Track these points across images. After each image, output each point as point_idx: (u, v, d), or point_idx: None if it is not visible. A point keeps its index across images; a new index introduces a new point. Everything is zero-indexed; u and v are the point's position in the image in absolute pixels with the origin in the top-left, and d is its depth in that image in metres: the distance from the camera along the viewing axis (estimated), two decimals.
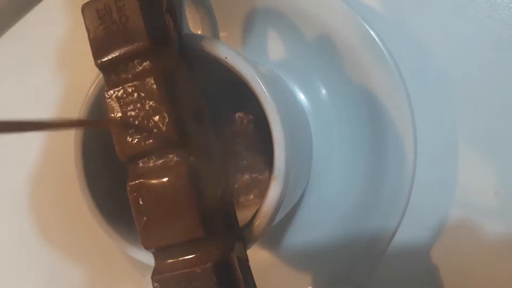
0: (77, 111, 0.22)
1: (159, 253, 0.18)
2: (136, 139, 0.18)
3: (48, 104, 0.33)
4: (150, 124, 0.18)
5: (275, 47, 0.27)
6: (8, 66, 0.35)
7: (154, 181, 0.18)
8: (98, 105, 0.21)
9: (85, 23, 0.18)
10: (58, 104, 0.33)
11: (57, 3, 0.33)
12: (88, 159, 0.22)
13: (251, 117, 0.24)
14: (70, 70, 0.33)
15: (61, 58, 0.33)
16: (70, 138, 0.22)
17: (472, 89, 0.25)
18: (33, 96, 0.34)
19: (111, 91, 0.18)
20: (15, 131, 0.12)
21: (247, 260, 0.18)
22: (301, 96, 0.27)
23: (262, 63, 0.26)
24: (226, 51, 0.19)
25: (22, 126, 0.12)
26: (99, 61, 0.18)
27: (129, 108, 0.18)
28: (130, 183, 0.18)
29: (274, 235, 0.27)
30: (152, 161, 0.18)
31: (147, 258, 0.19)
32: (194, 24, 0.23)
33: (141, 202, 0.18)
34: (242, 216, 0.20)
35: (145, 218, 0.18)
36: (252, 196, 0.23)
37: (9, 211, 0.34)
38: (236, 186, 0.23)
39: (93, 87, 0.21)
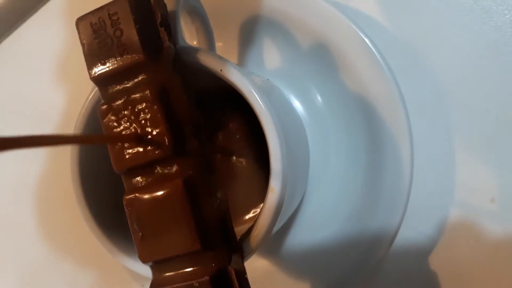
0: (74, 122, 0.22)
1: (157, 266, 0.18)
2: (132, 152, 0.18)
3: (46, 114, 0.33)
4: (146, 137, 0.18)
5: (271, 56, 0.27)
6: (6, 75, 0.35)
7: (150, 195, 0.18)
8: (93, 117, 0.21)
9: (79, 37, 0.18)
10: (57, 115, 0.33)
11: (55, 12, 0.33)
12: (85, 173, 0.22)
13: (247, 127, 0.24)
14: (68, 79, 0.33)
15: (60, 67, 0.33)
16: (67, 151, 0.22)
17: (468, 95, 0.25)
18: (32, 105, 0.34)
19: (106, 105, 0.18)
20: (11, 148, 0.12)
21: (245, 272, 0.18)
22: (297, 105, 0.27)
23: (258, 72, 0.26)
24: (221, 64, 0.19)
25: (18, 142, 0.12)
26: (94, 75, 0.18)
27: (124, 122, 0.18)
28: (126, 197, 0.18)
29: (273, 243, 0.27)
30: (148, 174, 0.18)
31: (145, 271, 0.19)
32: (190, 35, 0.23)
33: (137, 216, 0.18)
34: (239, 228, 0.20)
35: (141, 232, 0.18)
36: (248, 207, 0.23)
37: (11, 221, 0.34)
38: (232, 197, 0.23)
39: (89, 99, 0.21)
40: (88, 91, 0.21)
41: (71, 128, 0.22)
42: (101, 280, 0.31)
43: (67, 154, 0.22)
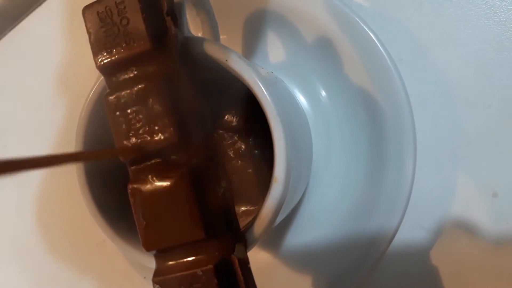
0: (78, 113, 0.22)
1: (160, 255, 0.18)
2: (138, 142, 0.18)
3: (50, 106, 0.33)
4: (151, 126, 0.18)
5: (275, 50, 0.27)
6: (9, 68, 0.35)
7: (155, 183, 0.18)
8: (99, 107, 0.21)
9: (86, 26, 0.18)
10: (61, 106, 0.33)
11: (59, 5, 0.33)
12: (90, 162, 0.22)
13: (252, 117, 0.24)
14: (72, 72, 0.33)
15: (64, 60, 0.33)
16: (71, 143, 0.22)
17: (471, 91, 0.25)
18: (36, 98, 0.34)
19: (112, 94, 0.18)
20: (14, 171, 0.12)
21: (248, 262, 0.18)
22: (301, 98, 0.27)
23: (262, 65, 0.26)
24: (227, 54, 0.19)
25: (22, 164, 0.12)
26: (100, 64, 0.18)
27: (129, 111, 0.18)
28: (131, 186, 0.18)
29: (275, 236, 0.27)
30: (153, 163, 0.18)
31: (148, 261, 0.19)
32: (194, 27, 0.23)
33: (142, 205, 0.18)
34: (242, 217, 0.20)
35: (145, 221, 0.18)
36: (252, 197, 0.23)
37: (15, 219, 0.34)
38: (236, 187, 0.23)
39: (94, 89, 0.21)
40: (92, 84, 0.21)
41: (76, 119, 0.22)
42: (104, 272, 0.32)
43: (70, 145, 0.22)
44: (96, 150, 0.22)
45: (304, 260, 0.27)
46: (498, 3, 0.25)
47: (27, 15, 0.34)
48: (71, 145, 0.22)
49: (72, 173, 0.22)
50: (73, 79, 0.33)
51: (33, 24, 0.34)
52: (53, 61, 0.33)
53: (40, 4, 0.34)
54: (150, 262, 0.19)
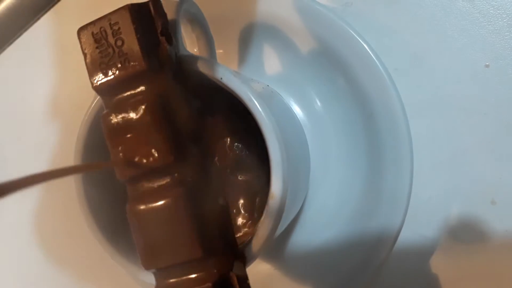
0: (76, 130, 0.22)
1: (160, 273, 0.18)
2: (134, 162, 0.18)
3: (49, 121, 0.33)
4: (147, 146, 0.18)
5: (271, 62, 0.27)
6: (8, 80, 0.35)
7: (152, 203, 0.18)
8: (96, 125, 0.21)
9: (81, 47, 0.19)
10: (58, 124, 0.33)
11: (51, 24, 0.34)
12: (88, 180, 0.22)
13: (248, 132, 0.24)
14: (70, 88, 0.33)
15: (61, 75, 0.33)
16: (70, 158, 0.22)
17: (467, 99, 0.25)
18: (34, 110, 0.34)
19: (108, 114, 0.18)
20: (18, 189, 0.12)
21: (247, 278, 0.19)
22: (297, 109, 0.27)
23: (259, 78, 0.26)
24: (221, 72, 0.19)
25: (24, 182, 0.12)
26: (96, 84, 0.18)
27: (126, 130, 0.18)
28: (129, 206, 0.18)
29: (275, 246, 0.28)
30: (150, 182, 0.18)
31: (148, 278, 0.20)
32: (190, 43, 0.23)
33: (140, 224, 0.18)
34: (241, 234, 0.20)
35: (144, 240, 0.18)
36: (250, 214, 0.23)
37: (15, 235, 0.34)
38: (233, 203, 0.23)
39: (91, 108, 0.21)
40: (88, 102, 0.21)
41: (73, 139, 0.22)
42: (104, 286, 0.32)
43: (70, 162, 0.22)
44: (91, 163, 0.22)
45: (304, 270, 0.27)
46: (492, 11, 0.25)
47: (20, 35, 0.35)
48: (70, 158, 0.22)
49: (71, 186, 0.22)
50: (72, 93, 0.33)
51: (28, 43, 0.34)
52: (47, 80, 0.33)
53: (34, 23, 0.34)
54: (150, 279, 0.19)
